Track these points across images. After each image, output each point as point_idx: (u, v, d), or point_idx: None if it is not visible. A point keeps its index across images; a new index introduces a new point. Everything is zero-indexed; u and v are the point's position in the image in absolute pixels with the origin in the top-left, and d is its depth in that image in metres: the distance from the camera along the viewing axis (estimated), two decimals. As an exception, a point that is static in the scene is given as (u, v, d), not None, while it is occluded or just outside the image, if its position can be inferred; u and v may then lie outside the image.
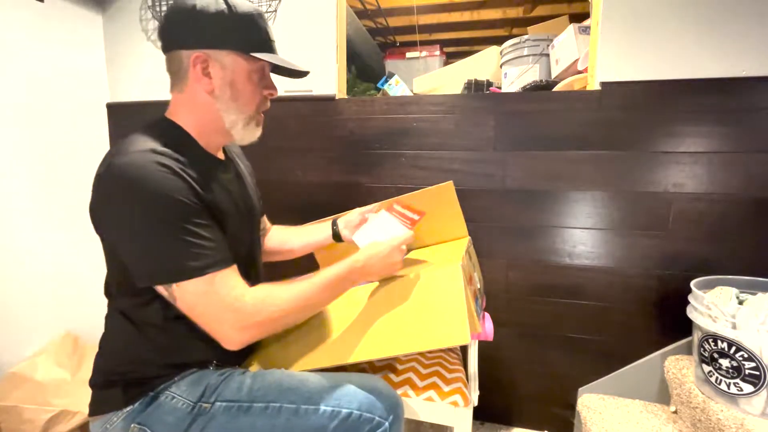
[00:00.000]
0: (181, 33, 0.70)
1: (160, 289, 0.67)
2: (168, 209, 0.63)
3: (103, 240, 0.72)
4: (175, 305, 0.67)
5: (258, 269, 0.90)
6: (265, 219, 1.07)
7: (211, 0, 0.69)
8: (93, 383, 0.76)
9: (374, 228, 0.95)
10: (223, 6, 0.69)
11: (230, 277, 0.68)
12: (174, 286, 0.65)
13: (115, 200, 0.64)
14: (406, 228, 0.91)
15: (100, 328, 0.79)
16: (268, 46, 0.74)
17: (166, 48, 0.73)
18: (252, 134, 0.79)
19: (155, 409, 0.70)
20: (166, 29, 0.72)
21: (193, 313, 0.67)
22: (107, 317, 0.79)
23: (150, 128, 0.72)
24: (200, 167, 0.71)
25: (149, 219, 0.63)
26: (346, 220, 1.02)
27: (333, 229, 1.03)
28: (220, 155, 0.83)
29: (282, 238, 1.07)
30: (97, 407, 0.74)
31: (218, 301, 0.66)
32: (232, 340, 0.68)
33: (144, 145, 0.66)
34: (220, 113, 0.74)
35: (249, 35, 0.72)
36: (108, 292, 0.78)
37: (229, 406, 0.70)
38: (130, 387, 0.72)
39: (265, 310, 0.69)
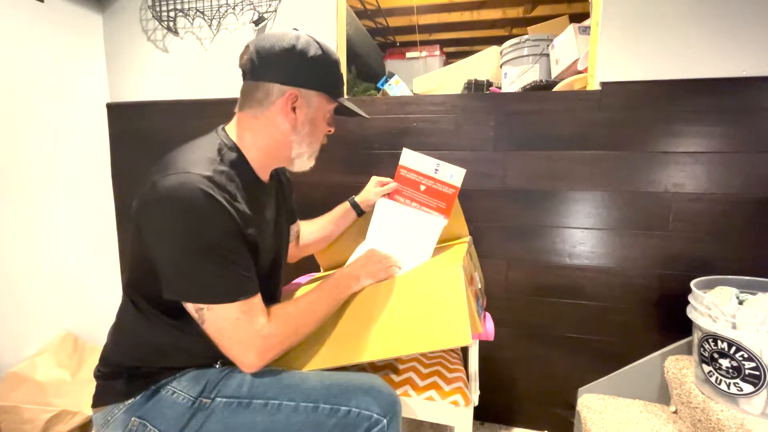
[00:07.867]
0: (277, 68, 0.75)
1: (189, 308, 0.69)
2: (211, 239, 0.66)
3: (135, 241, 0.73)
4: (202, 327, 0.69)
5: (279, 276, 0.93)
6: (297, 222, 1.09)
7: (310, 45, 0.76)
8: (98, 374, 0.78)
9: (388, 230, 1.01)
10: (320, 52, 0.77)
11: (258, 306, 0.71)
12: (205, 308, 0.67)
13: (162, 215, 0.66)
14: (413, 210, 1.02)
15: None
16: (343, 91, 0.85)
17: (257, 78, 0.76)
18: (307, 165, 0.86)
19: (156, 403, 0.72)
20: (262, 62, 0.75)
21: (221, 336, 0.69)
22: (121, 310, 0.80)
23: (212, 144, 0.76)
24: (247, 197, 0.75)
25: (192, 244, 0.66)
26: (364, 199, 1.10)
27: (355, 211, 1.11)
28: (265, 177, 0.85)
29: (313, 235, 1.12)
30: (100, 398, 0.75)
31: (247, 328, 0.69)
32: (252, 365, 0.71)
33: (202, 167, 0.69)
34: (291, 144, 0.80)
35: (335, 80, 0.81)
36: (127, 287, 0.79)
37: (229, 402, 0.71)
38: (133, 380, 0.73)
39: (283, 333, 0.73)
